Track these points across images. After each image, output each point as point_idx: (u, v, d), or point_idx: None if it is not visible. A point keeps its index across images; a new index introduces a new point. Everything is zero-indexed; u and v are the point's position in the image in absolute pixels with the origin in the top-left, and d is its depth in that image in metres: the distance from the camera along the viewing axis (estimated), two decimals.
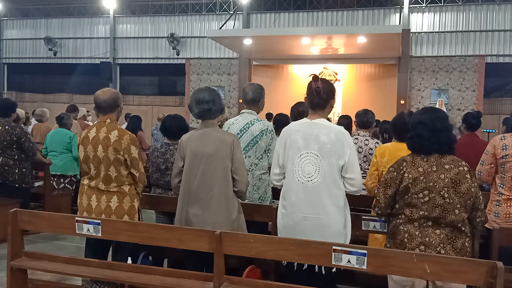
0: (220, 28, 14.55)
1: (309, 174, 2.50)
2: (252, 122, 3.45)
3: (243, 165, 2.80)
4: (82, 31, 17.37)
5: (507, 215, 3.05)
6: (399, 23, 12.70)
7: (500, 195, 3.10)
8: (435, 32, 13.78)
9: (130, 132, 3.02)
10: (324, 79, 2.69)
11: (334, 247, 2.13)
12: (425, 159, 2.34)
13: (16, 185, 4.91)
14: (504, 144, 3.09)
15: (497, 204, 3.11)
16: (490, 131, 13.09)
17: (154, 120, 17.01)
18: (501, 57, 13.31)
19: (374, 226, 2.88)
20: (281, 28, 14.93)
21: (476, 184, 2.31)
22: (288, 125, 2.71)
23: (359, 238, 3.24)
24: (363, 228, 2.89)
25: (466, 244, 2.30)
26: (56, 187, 5.82)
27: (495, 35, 13.34)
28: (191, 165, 2.76)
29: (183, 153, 2.80)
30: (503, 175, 3.10)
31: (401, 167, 2.38)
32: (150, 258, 3.29)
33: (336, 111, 15.10)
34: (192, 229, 2.46)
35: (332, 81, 15.08)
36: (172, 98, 17.47)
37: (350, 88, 15.22)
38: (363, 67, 15.20)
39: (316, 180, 2.49)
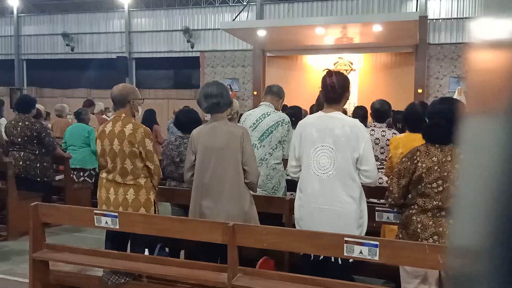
0: (234, 20, 14.51)
1: (324, 166, 2.53)
2: (268, 113, 3.52)
3: (253, 157, 2.85)
4: (98, 26, 17.56)
5: None
6: (416, 10, 12.45)
7: None
8: (453, 19, 13.48)
9: (144, 126, 3.08)
10: (338, 72, 2.70)
11: (346, 239, 2.15)
12: (439, 149, 2.33)
13: (38, 179, 5.05)
14: None
15: None
16: None
17: (170, 113, 17.13)
18: None
19: (388, 217, 2.88)
20: (294, 18, 14.81)
21: None
22: (304, 119, 2.77)
23: (375, 229, 3.26)
24: (376, 219, 2.89)
25: None
26: (76, 181, 5.96)
27: None
28: (203, 159, 2.81)
29: (194, 148, 2.86)
30: None
31: (414, 157, 2.38)
32: (167, 249, 3.36)
33: (352, 101, 14.95)
34: (205, 221, 2.51)
35: (347, 71, 15.00)
36: (187, 91, 17.56)
37: (366, 77, 15.03)
38: (379, 56, 14.99)
39: (331, 173, 2.52)
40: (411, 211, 2.39)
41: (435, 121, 2.37)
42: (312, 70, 15.88)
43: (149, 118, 7.25)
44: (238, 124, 3.65)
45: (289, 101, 14.97)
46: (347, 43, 13.66)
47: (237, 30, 13.30)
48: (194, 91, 17.35)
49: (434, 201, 2.30)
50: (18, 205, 4.68)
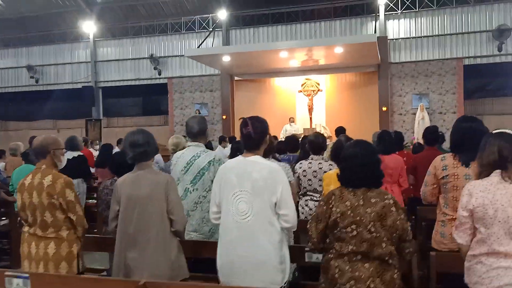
0: (199, 46, 14.58)
1: (243, 212, 2.48)
2: (198, 155, 3.43)
3: (179, 205, 2.78)
4: (63, 57, 17.39)
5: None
6: (374, 32, 12.76)
7: (445, 215, 3.05)
8: (412, 38, 13.86)
9: (65, 176, 2.99)
10: (255, 118, 2.67)
11: None
12: (352, 193, 2.32)
13: None
14: (444, 165, 3.05)
15: (442, 224, 3.07)
16: None
17: None
18: (478, 58, 13.38)
19: (317, 258, 2.82)
20: (258, 43, 14.98)
21: (402, 216, 2.29)
22: (224, 164, 2.72)
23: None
24: (306, 260, 2.83)
25: (395, 276, 2.27)
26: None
27: (471, 37, 13.42)
28: (127, 209, 2.74)
29: (118, 197, 2.78)
30: (445, 195, 3.06)
31: (330, 201, 2.36)
32: None
33: (320, 121, 15.16)
34: (117, 280, 2.41)
35: (315, 92, 15.20)
36: (157, 117, 17.44)
37: (333, 97, 15.25)
38: (344, 76, 15.26)
39: (250, 218, 2.47)
40: (329, 256, 2.35)
41: (348, 164, 2.36)
42: (281, 92, 16.02)
43: (105, 154, 7.09)
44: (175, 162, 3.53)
45: None
46: (313, 64, 13.88)
47: (202, 57, 13.37)
48: (164, 117, 17.25)
49: (350, 246, 2.27)
50: None
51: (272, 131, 11.08)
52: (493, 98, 14.00)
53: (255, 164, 2.52)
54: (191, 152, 3.45)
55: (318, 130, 14.81)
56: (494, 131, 2.32)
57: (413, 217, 4.90)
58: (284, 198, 2.46)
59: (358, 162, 2.33)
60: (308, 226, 2.45)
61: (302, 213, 4.13)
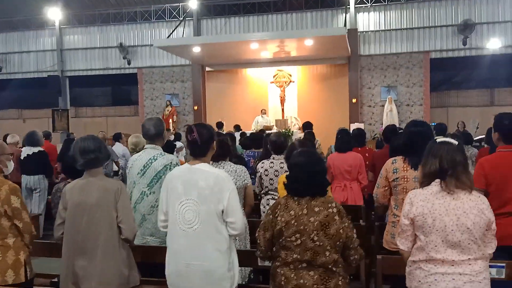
0: (169, 35, 14.32)
1: (190, 221, 2.47)
2: (155, 158, 3.39)
3: (129, 213, 2.75)
4: (28, 45, 16.78)
5: None
6: (344, 24, 12.85)
7: (395, 216, 3.14)
8: (381, 31, 14.03)
9: (10, 182, 2.90)
10: (201, 124, 2.66)
11: None
12: (297, 202, 2.35)
13: None
14: (395, 168, 3.13)
15: (393, 225, 3.16)
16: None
17: (110, 132, 16.65)
18: (444, 52, 13.69)
19: (270, 262, 2.85)
20: (229, 34, 14.86)
21: (346, 224, 2.33)
22: (171, 171, 2.70)
23: None
24: (259, 263, 2.86)
25: (340, 283, 2.32)
26: None
27: (437, 31, 13.70)
28: (75, 216, 2.69)
29: (65, 203, 2.72)
30: (396, 197, 3.15)
31: (276, 210, 2.38)
32: None
33: (292, 113, 15.23)
34: None
35: (287, 83, 15.22)
36: (127, 108, 17.15)
37: (305, 89, 15.33)
38: (315, 68, 15.34)
39: (197, 227, 2.46)
40: (276, 263, 2.39)
41: (293, 173, 2.38)
42: (253, 82, 15.98)
43: (67, 149, 6.92)
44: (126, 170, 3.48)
45: (231, 115, 15.04)
46: (284, 56, 13.88)
47: (172, 47, 13.15)
48: (134, 108, 16.96)
49: (294, 254, 2.31)
50: None
51: (244, 123, 11.09)
52: (458, 91, 14.41)
53: (202, 172, 2.51)
54: (148, 155, 3.40)
55: (290, 121, 14.90)
56: (437, 140, 2.38)
57: (373, 213, 5.02)
58: (231, 206, 2.47)
59: (303, 171, 2.35)
60: (256, 234, 2.48)
61: (264, 212, 4.16)
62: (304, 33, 12.86)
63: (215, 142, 2.64)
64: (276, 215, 2.36)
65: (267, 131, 9.75)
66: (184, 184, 2.51)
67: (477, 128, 13.05)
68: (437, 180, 2.26)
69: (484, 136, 11.22)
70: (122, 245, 2.72)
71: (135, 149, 4.44)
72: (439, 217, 2.19)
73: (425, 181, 2.30)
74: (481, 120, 13.67)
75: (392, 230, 3.15)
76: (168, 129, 11.88)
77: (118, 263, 2.67)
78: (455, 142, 2.30)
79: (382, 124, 13.83)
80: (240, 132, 10.47)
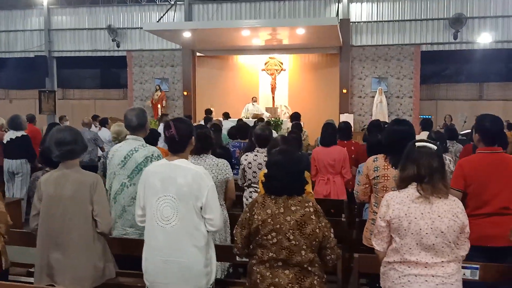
0: (160, 19, 14.09)
1: (168, 217, 2.46)
2: (136, 149, 3.35)
3: (105, 207, 2.72)
4: (15, 24, 16.40)
5: None
6: (337, 14, 12.75)
7: (375, 214, 3.16)
8: (374, 22, 13.96)
9: None
10: (179, 119, 2.62)
11: None
12: (274, 201, 2.35)
13: None
14: (375, 166, 3.14)
15: (373, 223, 3.18)
16: (428, 117, 13.55)
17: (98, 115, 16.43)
18: (435, 45, 13.69)
19: None
20: (221, 20, 14.67)
21: (323, 224, 2.34)
22: (148, 167, 2.67)
23: None
24: (237, 259, 2.87)
25: (315, 282, 2.34)
26: None
27: (429, 24, 13.67)
28: (50, 208, 2.66)
29: (40, 195, 2.69)
30: (376, 195, 3.17)
31: (253, 208, 2.38)
32: None
33: (282, 101, 15.19)
34: None
35: (278, 71, 15.15)
36: (115, 91, 16.93)
37: (296, 77, 15.28)
38: (307, 57, 15.27)
39: (175, 223, 2.45)
40: (252, 261, 2.40)
41: (271, 172, 2.37)
42: (245, 69, 15.86)
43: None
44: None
45: (221, 101, 14.93)
46: (276, 43, 13.77)
47: (162, 31, 12.95)
48: (123, 91, 16.74)
49: (270, 253, 2.32)
50: None
51: (234, 110, 11.04)
52: (447, 84, 14.47)
53: (180, 168, 2.49)
54: (129, 146, 3.37)
55: (280, 110, 14.87)
56: (416, 143, 2.37)
57: (356, 206, 5.06)
58: (210, 203, 2.46)
59: (281, 170, 2.34)
60: (234, 231, 2.48)
61: (246, 205, 4.15)
62: (296, 21, 12.74)
63: (193, 137, 2.60)
64: (253, 213, 2.36)
65: (256, 120, 9.73)
66: (162, 180, 2.49)
67: (465, 122, 13.18)
68: (414, 183, 2.27)
69: (470, 130, 11.41)
70: (97, 238, 2.70)
71: (117, 138, 4.39)
72: (414, 221, 2.21)
73: (402, 185, 2.31)
74: (469, 113, 13.80)
75: (372, 227, 3.17)
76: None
77: (92, 257, 2.66)
78: (433, 147, 2.30)
79: (372, 115, 13.88)
80: (238, 119, 10.46)
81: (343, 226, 3.63)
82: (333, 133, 4.89)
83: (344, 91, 13.93)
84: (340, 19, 12.94)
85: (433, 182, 2.21)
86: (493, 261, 2.94)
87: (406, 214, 2.23)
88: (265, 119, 12.48)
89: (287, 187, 2.33)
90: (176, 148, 2.53)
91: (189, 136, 2.55)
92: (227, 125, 9.09)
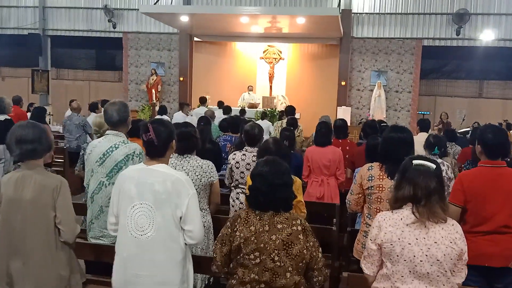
0: (157, 1, 13.70)
1: (143, 227, 2.27)
2: (116, 146, 3.12)
3: (69, 213, 2.48)
4: (9, 0, 15.95)
5: None
6: (338, 5, 12.43)
7: (367, 226, 2.99)
8: (376, 14, 13.64)
9: None
10: (158, 121, 2.40)
11: None
12: (258, 217, 2.15)
13: None
14: (370, 175, 2.95)
15: (365, 235, 3.01)
16: (426, 113, 13.37)
17: (92, 97, 16.12)
18: (437, 40, 13.42)
19: None
20: (220, 6, 14.29)
21: (311, 243, 2.15)
22: (123, 171, 2.45)
23: None
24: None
25: None
26: None
27: (432, 18, 13.38)
28: (9, 213, 2.42)
29: (0, 197, 2.45)
30: (370, 206, 2.99)
31: (235, 224, 2.19)
32: None
33: (280, 91, 14.92)
34: None
35: (277, 60, 14.86)
36: (110, 73, 16.57)
37: (294, 67, 15.00)
38: (306, 47, 14.97)
39: (150, 234, 2.26)
40: (232, 281, 2.22)
41: (255, 184, 2.17)
42: (242, 57, 15.54)
43: (38, 117, 6.61)
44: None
45: (217, 88, 14.67)
46: (276, 32, 13.45)
47: (160, 14, 12.60)
48: (118, 73, 16.40)
49: (252, 274, 2.14)
50: None
51: (230, 99, 10.83)
52: (447, 80, 14.24)
53: (159, 174, 2.28)
54: (109, 142, 3.13)
55: (277, 100, 14.61)
56: (414, 161, 2.17)
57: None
58: (190, 213, 2.26)
59: (265, 183, 2.14)
60: (213, 246, 2.29)
61: (233, 206, 3.98)
62: (296, 10, 12.44)
63: (174, 141, 2.39)
64: (235, 229, 2.16)
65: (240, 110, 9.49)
66: (138, 186, 2.28)
67: (463, 119, 13.00)
68: (410, 204, 2.09)
69: (469, 128, 11.22)
70: (61, 247, 2.47)
71: (99, 131, 4.12)
72: (408, 247, 2.03)
73: (395, 206, 2.12)
74: (468, 111, 13.62)
75: (364, 240, 3.00)
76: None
77: (56, 266, 2.44)
78: (432, 165, 2.10)
79: (370, 109, 13.67)
80: (240, 109, 10.26)
81: (334, 235, 3.45)
82: (328, 133, 4.68)
83: (343, 83, 13.69)
84: (342, 10, 12.64)
85: (430, 205, 2.02)
86: (489, 281, 2.79)
87: (399, 239, 2.04)
88: (258, 109, 12.30)
89: (273, 202, 2.14)
90: (155, 152, 2.32)
91: (169, 140, 2.34)
92: (221, 115, 8.88)
